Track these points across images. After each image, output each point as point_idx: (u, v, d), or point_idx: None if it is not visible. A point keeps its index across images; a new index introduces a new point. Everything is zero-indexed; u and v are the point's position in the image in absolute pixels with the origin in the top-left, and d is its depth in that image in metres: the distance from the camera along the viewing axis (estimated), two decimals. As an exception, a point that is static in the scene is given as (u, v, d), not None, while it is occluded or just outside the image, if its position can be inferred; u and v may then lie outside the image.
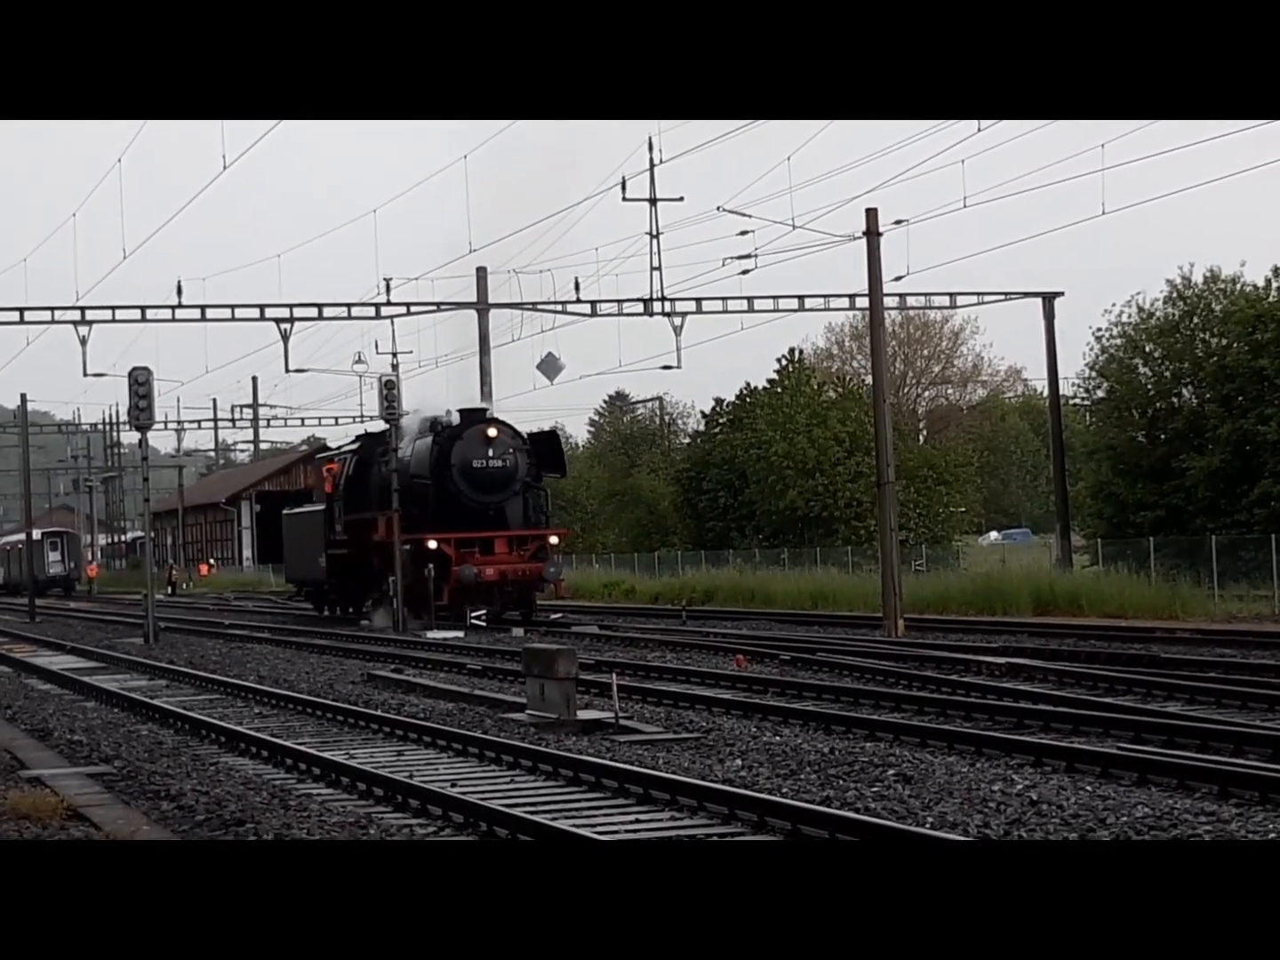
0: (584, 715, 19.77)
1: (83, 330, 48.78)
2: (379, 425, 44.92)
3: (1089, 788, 13.88)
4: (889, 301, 44.55)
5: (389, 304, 50.72)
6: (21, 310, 49.76)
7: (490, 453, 42.29)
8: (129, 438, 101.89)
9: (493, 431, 42.71)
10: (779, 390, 67.20)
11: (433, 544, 41.67)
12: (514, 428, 44.36)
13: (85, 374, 51.13)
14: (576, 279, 49.26)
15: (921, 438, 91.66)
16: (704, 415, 75.10)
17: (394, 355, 54.50)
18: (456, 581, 41.69)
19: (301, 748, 17.87)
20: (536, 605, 43.90)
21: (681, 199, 47.89)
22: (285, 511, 55.84)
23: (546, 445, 44.99)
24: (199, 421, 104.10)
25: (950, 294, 53.02)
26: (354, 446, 49.25)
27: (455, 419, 43.47)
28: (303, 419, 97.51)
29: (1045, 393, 58.01)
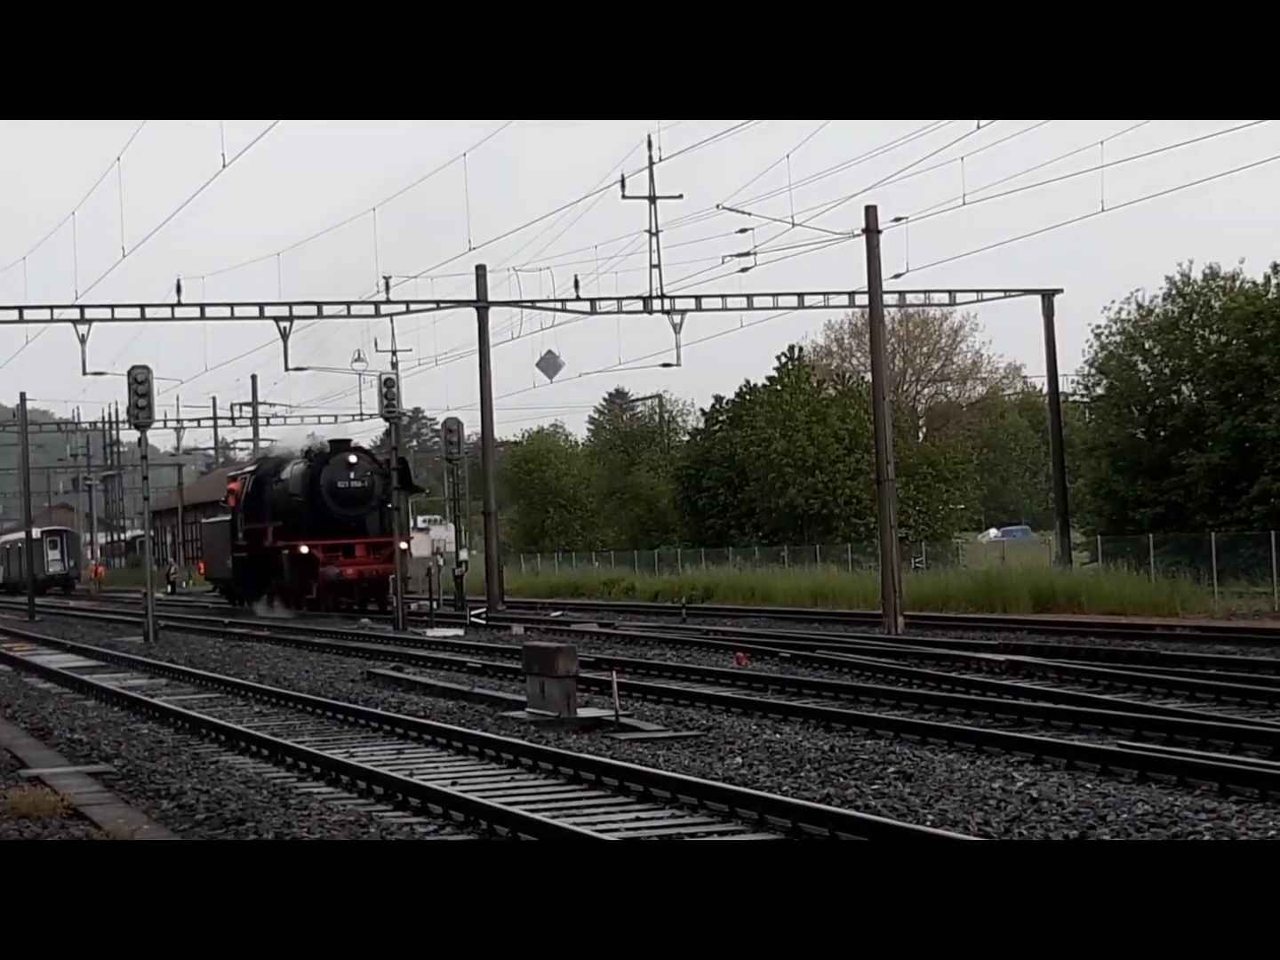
0: (584, 713, 19.77)
1: (82, 329, 48.69)
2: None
3: (1089, 785, 13.89)
4: (888, 299, 44.51)
5: (388, 302, 50.67)
6: (21, 309, 49.66)
7: (352, 475, 50.89)
8: (128, 436, 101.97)
9: (353, 458, 51.76)
10: (779, 388, 67.11)
11: (305, 549, 50.90)
12: (372, 454, 54.90)
13: (85, 373, 51.03)
14: (576, 277, 49.28)
15: (921, 435, 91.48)
16: (704, 413, 74.98)
17: (393, 353, 54.68)
18: (323, 580, 50.68)
19: (302, 746, 17.86)
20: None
21: (681, 197, 47.82)
22: (203, 520, 66.63)
23: (399, 469, 52.72)
24: (198, 420, 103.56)
25: (950, 291, 52.96)
26: (252, 468, 58.74)
27: (327, 447, 53.18)
28: (302, 417, 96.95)
29: (1045, 390, 57.90)
